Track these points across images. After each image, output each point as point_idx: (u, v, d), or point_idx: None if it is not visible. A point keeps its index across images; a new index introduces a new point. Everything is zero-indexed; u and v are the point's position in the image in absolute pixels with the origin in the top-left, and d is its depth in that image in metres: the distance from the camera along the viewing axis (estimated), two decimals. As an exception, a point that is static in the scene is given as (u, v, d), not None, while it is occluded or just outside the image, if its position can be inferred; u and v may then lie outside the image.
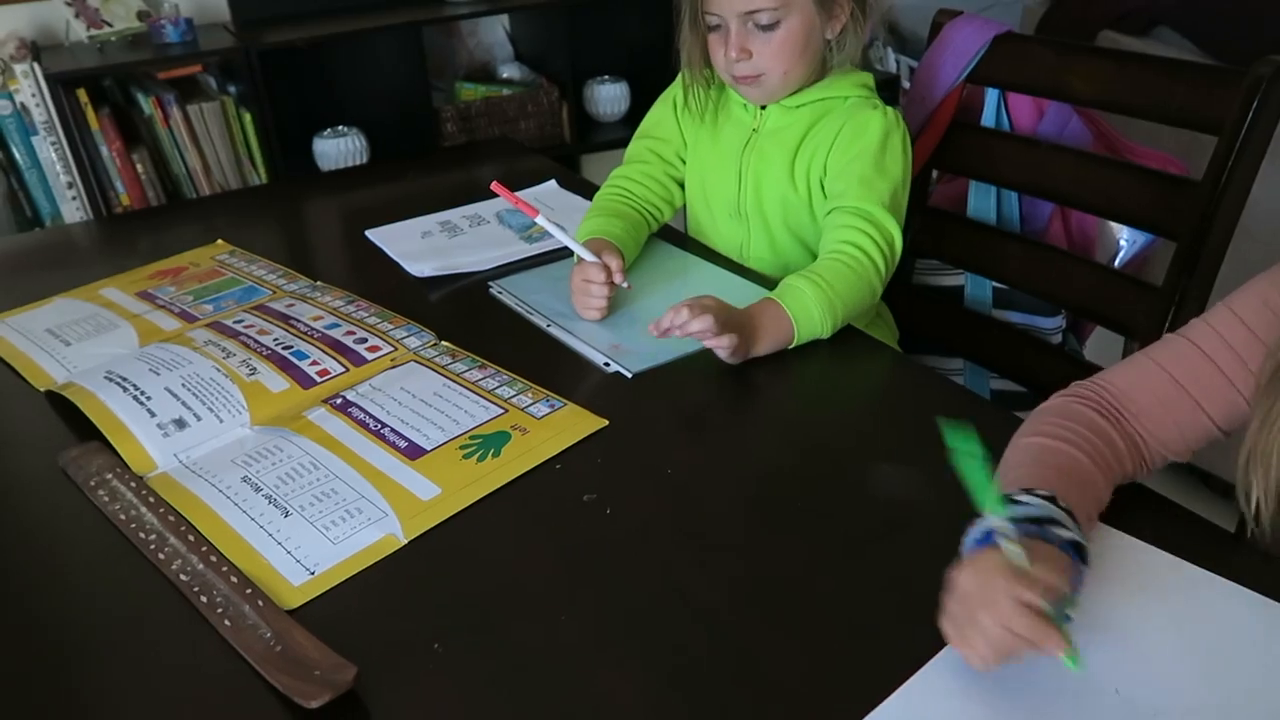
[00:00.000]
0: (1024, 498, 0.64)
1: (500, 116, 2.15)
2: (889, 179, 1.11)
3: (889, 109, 1.15)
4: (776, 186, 1.18)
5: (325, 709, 0.61)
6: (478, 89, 2.19)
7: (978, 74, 1.31)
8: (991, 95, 1.35)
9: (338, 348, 1.02)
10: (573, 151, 2.20)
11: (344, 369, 0.98)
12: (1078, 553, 0.61)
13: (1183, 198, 1.09)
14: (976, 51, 1.30)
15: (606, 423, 0.89)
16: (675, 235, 1.29)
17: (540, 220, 1.07)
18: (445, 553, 0.76)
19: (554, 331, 1.06)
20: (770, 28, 1.08)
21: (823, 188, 1.15)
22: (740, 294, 1.07)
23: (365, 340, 1.03)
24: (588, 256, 1.07)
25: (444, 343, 1.04)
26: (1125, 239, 1.46)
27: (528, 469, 0.83)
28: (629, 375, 0.97)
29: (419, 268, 1.22)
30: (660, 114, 1.28)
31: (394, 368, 0.99)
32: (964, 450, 0.53)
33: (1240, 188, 1.05)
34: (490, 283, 1.17)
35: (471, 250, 1.26)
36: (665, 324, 0.95)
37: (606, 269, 1.05)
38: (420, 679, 0.65)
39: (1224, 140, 1.05)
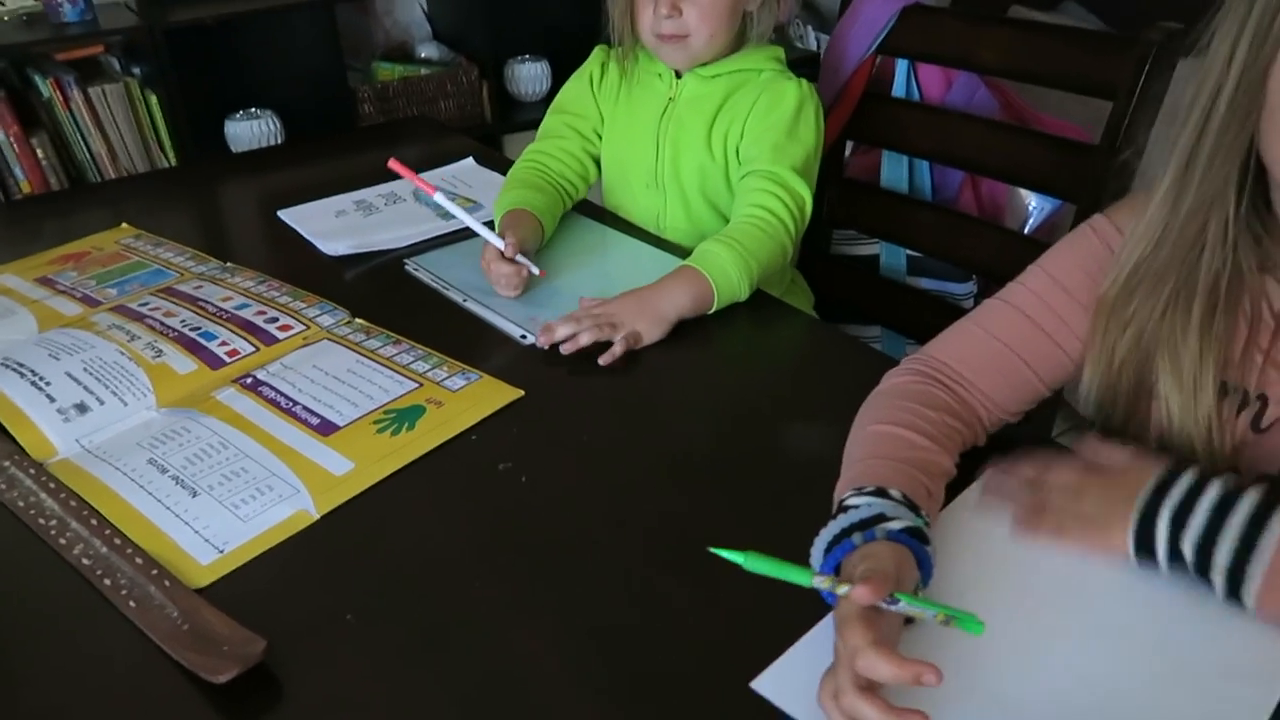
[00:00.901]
0: (853, 500, 0.65)
1: (419, 96, 2.12)
2: (802, 145, 1.13)
3: (803, 81, 1.17)
4: (694, 155, 1.19)
5: (237, 685, 0.60)
6: (395, 69, 2.16)
7: (887, 45, 1.33)
8: (901, 66, 1.38)
9: (248, 327, 1.00)
10: (494, 131, 2.18)
11: (254, 349, 0.96)
12: (913, 536, 0.62)
13: (1081, 162, 1.12)
14: (886, 23, 1.31)
15: (522, 393, 0.89)
16: (592, 209, 1.29)
17: (438, 197, 1.06)
18: (360, 526, 0.75)
19: (470, 306, 1.05)
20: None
21: (739, 156, 1.16)
22: (657, 265, 1.08)
23: (276, 320, 1.01)
24: (485, 234, 1.05)
25: (358, 320, 1.02)
26: (1034, 205, 1.50)
27: (443, 441, 0.83)
28: (545, 347, 0.97)
29: (333, 246, 1.20)
30: (576, 89, 1.27)
31: (306, 346, 0.97)
32: (749, 562, 0.54)
33: (1134, 151, 1.09)
34: (406, 260, 1.15)
35: (387, 228, 1.24)
36: (557, 338, 0.95)
37: (501, 255, 1.03)
38: (334, 651, 0.64)
39: (1118, 105, 1.08)
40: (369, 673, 0.62)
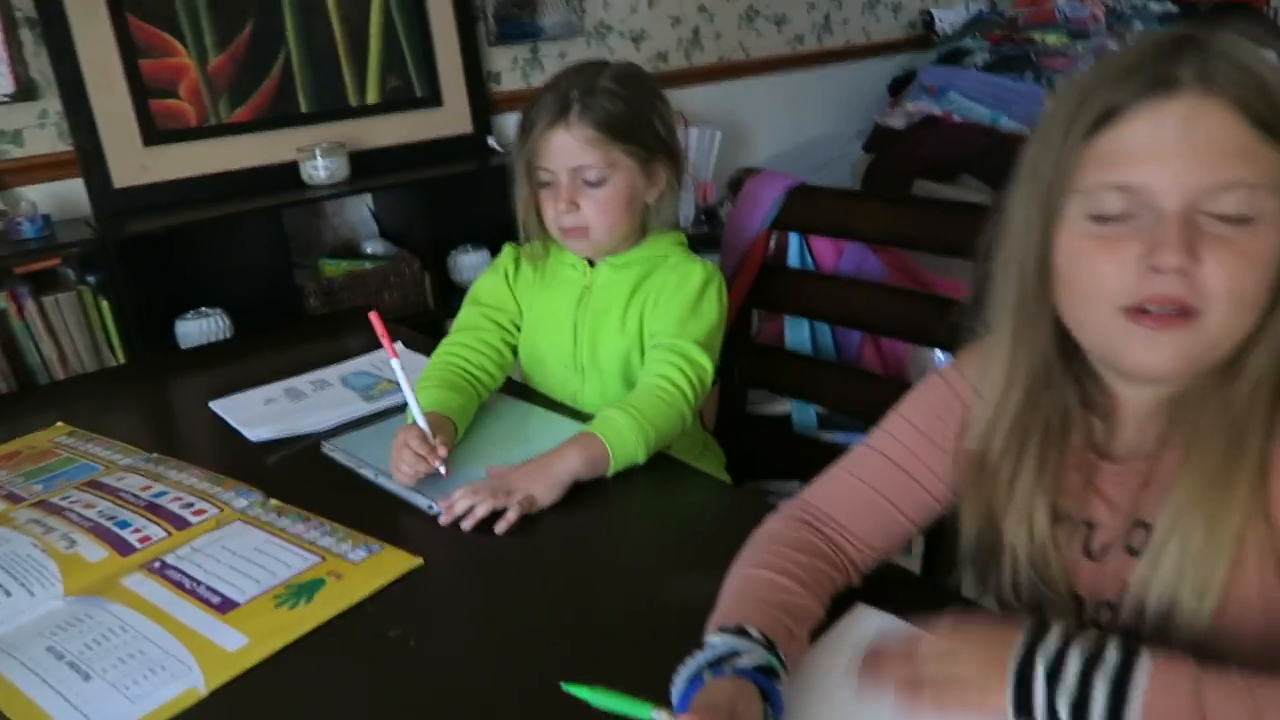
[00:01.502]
0: (712, 639, 0.69)
1: (364, 289, 2.23)
2: (705, 321, 1.21)
3: (708, 263, 1.26)
4: (611, 339, 1.25)
5: None
6: (340, 264, 2.28)
7: (780, 221, 1.44)
8: (794, 238, 1.49)
9: (161, 513, 1.03)
10: (437, 317, 2.28)
11: (166, 534, 1.00)
12: (761, 672, 0.65)
13: (941, 311, 1.21)
14: (774, 202, 1.44)
15: (421, 561, 0.92)
16: (508, 382, 1.34)
17: (394, 364, 1.09)
18: (251, 700, 0.77)
19: (381, 481, 1.09)
20: (597, 184, 1.18)
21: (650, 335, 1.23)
22: (568, 433, 1.13)
23: (191, 505, 1.05)
24: (421, 423, 1.07)
25: (272, 501, 1.06)
26: (941, 358, 1.58)
27: (337, 612, 0.85)
28: (447, 523, 1.00)
29: (256, 433, 1.25)
30: (492, 281, 1.34)
31: (218, 528, 1.01)
32: (595, 698, 0.59)
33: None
34: (323, 442, 1.20)
35: (312, 413, 1.29)
36: (457, 512, 0.98)
37: (427, 443, 1.06)
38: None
39: (980, 263, 1.18)
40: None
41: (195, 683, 0.77)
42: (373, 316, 1.09)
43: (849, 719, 0.68)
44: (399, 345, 1.51)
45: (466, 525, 0.98)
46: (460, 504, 0.99)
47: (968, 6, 3.50)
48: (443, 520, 0.99)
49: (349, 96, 2.34)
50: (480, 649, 0.81)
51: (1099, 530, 0.73)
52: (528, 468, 1.03)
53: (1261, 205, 0.62)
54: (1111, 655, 0.60)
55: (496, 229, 2.43)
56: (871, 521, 0.81)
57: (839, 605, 0.79)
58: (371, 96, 2.38)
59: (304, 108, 2.28)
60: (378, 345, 1.51)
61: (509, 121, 2.58)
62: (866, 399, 1.38)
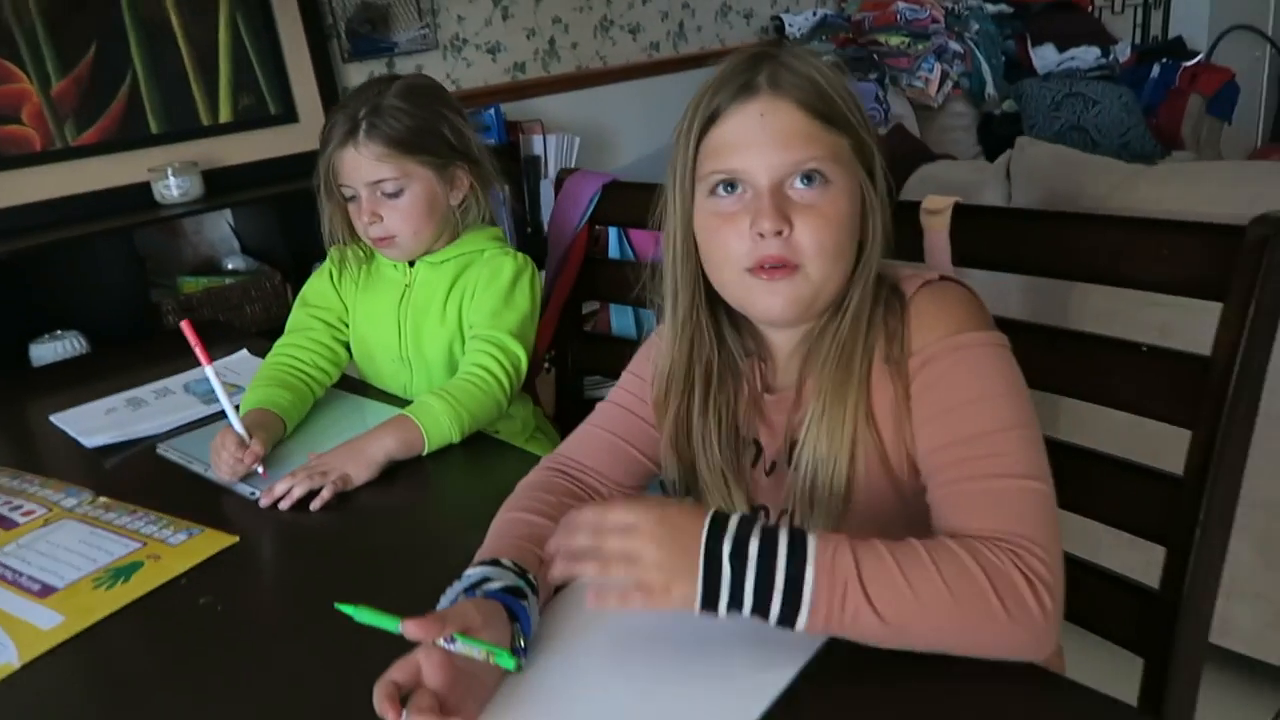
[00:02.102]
0: (469, 571, 0.78)
1: (224, 304, 2.26)
2: (517, 311, 1.30)
3: (520, 255, 1.36)
4: (434, 332, 1.34)
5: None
6: (199, 281, 2.31)
7: (597, 216, 1.55)
8: (613, 231, 1.60)
9: (-10, 516, 1.08)
10: (245, 342, 2.32)
11: (-6, 533, 1.05)
12: (508, 593, 0.75)
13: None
14: (591, 199, 1.54)
15: (236, 539, 1.00)
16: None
17: (208, 371, 1.15)
18: (64, 670, 0.83)
19: (211, 475, 1.16)
20: (396, 195, 1.27)
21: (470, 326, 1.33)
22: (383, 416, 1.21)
23: (20, 507, 1.10)
24: (236, 426, 1.13)
25: (101, 498, 1.12)
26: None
27: (152, 588, 0.92)
28: (267, 505, 1.08)
29: (93, 440, 1.29)
30: (319, 285, 1.42)
31: (45, 526, 1.06)
32: (358, 614, 0.69)
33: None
34: (158, 445, 1.26)
35: (150, 419, 1.35)
36: (276, 494, 1.06)
37: (241, 443, 1.11)
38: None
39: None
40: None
41: (9, 658, 0.84)
42: (184, 325, 1.15)
43: (596, 640, 0.78)
44: (243, 353, 1.58)
45: (284, 505, 1.05)
46: (279, 487, 1.06)
47: (815, 11, 3.69)
48: (262, 503, 1.07)
49: (201, 116, 2.37)
50: (289, 615, 0.89)
51: (766, 450, 0.88)
52: (343, 449, 1.11)
53: (831, 174, 0.79)
54: (783, 536, 0.68)
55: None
56: (612, 460, 0.94)
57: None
58: (224, 115, 2.41)
59: (154, 129, 2.30)
60: (229, 353, 1.58)
61: (368, 135, 2.65)
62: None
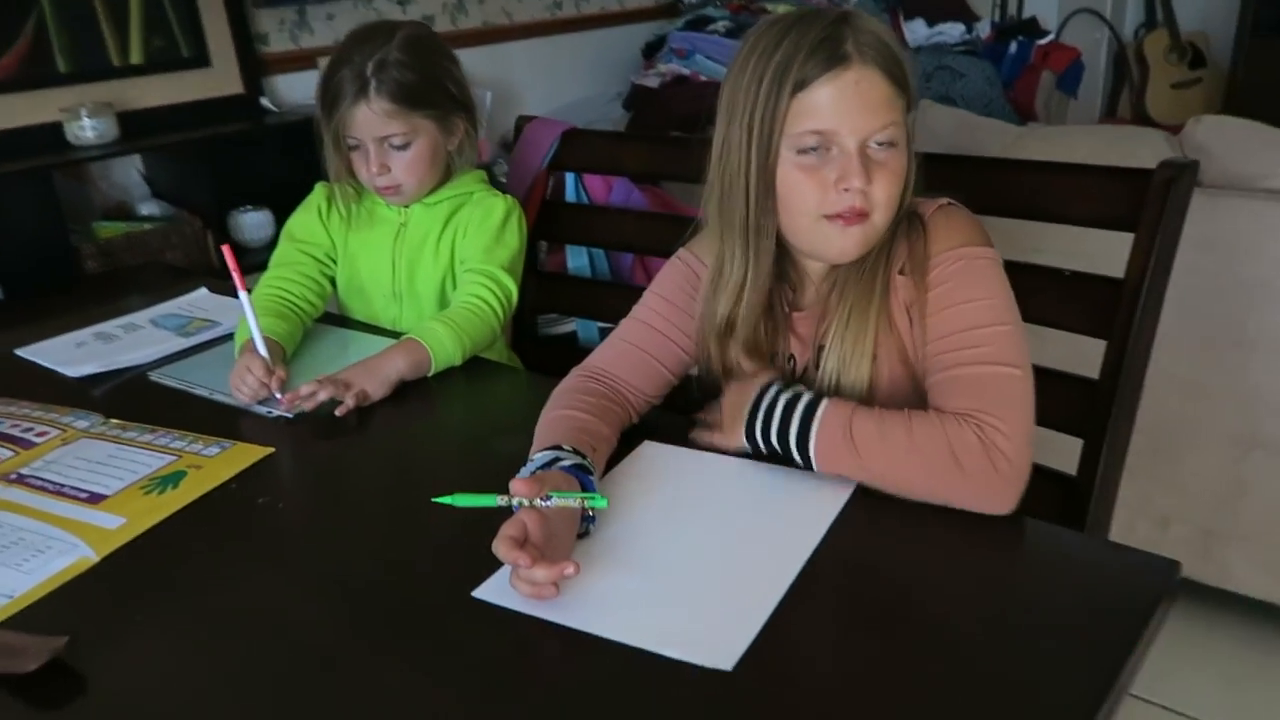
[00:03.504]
0: (536, 455, 0.90)
1: (144, 250, 2.22)
2: (508, 248, 1.39)
3: (509, 197, 1.44)
4: (427, 269, 1.41)
5: (44, 683, 0.72)
6: (118, 226, 2.25)
7: (556, 162, 1.64)
8: (570, 177, 1.70)
9: (4, 438, 1.10)
10: (222, 277, 2.30)
11: (13, 453, 1.07)
12: (577, 469, 0.87)
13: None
14: (551, 145, 1.63)
15: (272, 449, 1.06)
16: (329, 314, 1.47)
17: (242, 296, 1.18)
18: (136, 567, 0.88)
19: (218, 398, 1.20)
20: (403, 148, 1.33)
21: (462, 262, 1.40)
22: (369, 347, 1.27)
23: (32, 429, 1.12)
24: (262, 350, 1.17)
25: (113, 420, 1.15)
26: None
27: (206, 491, 0.98)
28: (291, 417, 1.14)
29: (77, 370, 1.31)
30: (306, 219, 1.46)
31: (65, 445, 1.09)
32: (457, 502, 0.80)
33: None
34: (150, 373, 1.28)
35: (129, 351, 1.36)
36: (302, 395, 1.11)
37: (267, 368, 1.16)
38: (128, 644, 0.78)
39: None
40: (162, 659, 0.77)
41: (85, 554, 0.88)
42: (225, 249, 1.19)
43: (643, 530, 0.90)
44: (203, 291, 1.59)
45: (307, 406, 1.12)
46: (304, 389, 1.12)
47: (710, -23, 3.82)
48: (284, 405, 1.12)
49: (111, 56, 2.30)
50: (341, 509, 0.97)
51: (797, 359, 1.02)
52: (357, 368, 1.18)
53: (900, 136, 0.92)
54: (804, 397, 0.90)
55: (276, 188, 2.48)
56: (640, 373, 1.05)
57: (629, 443, 1.01)
58: (135, 57, 2.34)
59: (63, 68, 2.22)
60: (172, 295, 1.59)
61: (281, 83, 2.62)
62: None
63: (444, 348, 1.23)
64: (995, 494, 0.85)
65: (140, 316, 1.50)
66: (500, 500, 0.78)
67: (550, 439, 0.92)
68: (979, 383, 0.88)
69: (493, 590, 0.79)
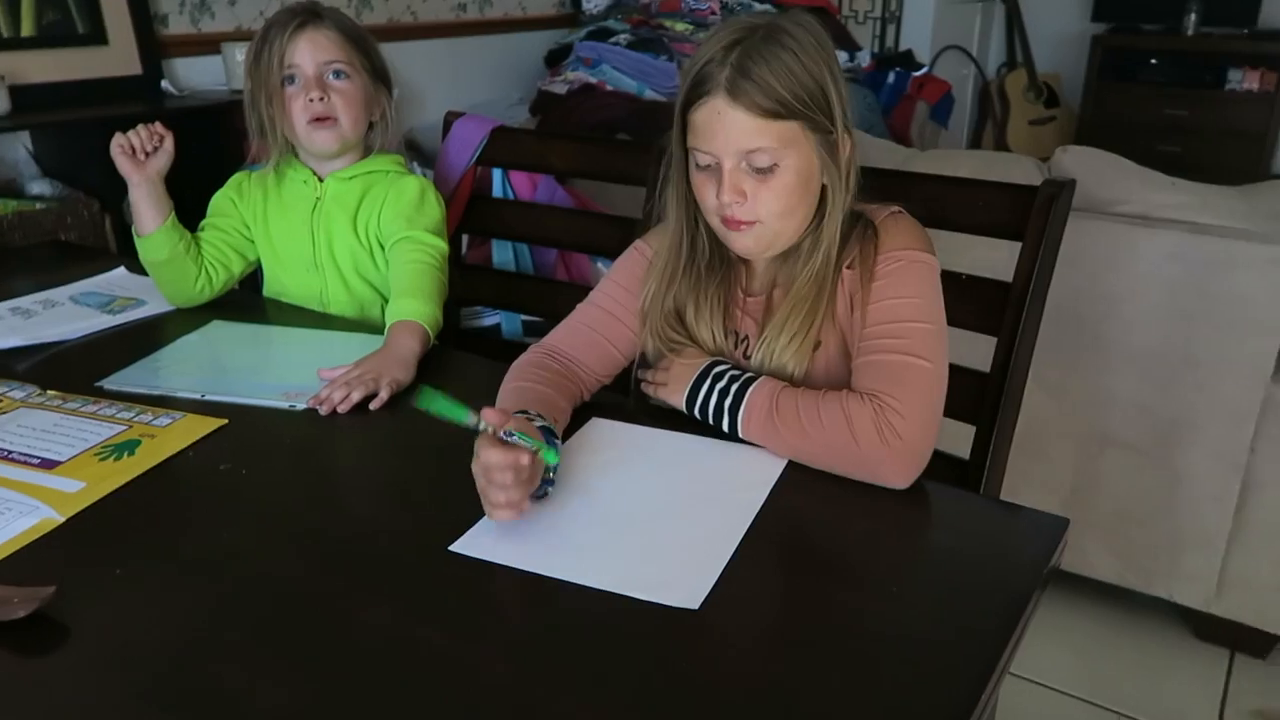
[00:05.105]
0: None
1: (37, 230, 2.13)
2: (430, 216, 1.44)
3: (421, 176, 1.48)
4: (344, 240, 1.45)
5: (32, 630, 0.74)
6: (8, 203, 2.16)
7: (484, 158, 1.70)
8: (497, 174, 1.75)
9: (-62, 405, 1.07)
10: (118, 257, 2.24)
11: (-50, 420, 1.05)
12: (546, 432, 0.94)
13: (626, 232, 1.54)
14: (479, 142, 1.69)
15: (226, 421, 1.08)
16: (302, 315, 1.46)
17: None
18: (105, 526, 0.89)
19: (213, 399, 1.13)
20: (341, 78, 1.38)
21: (380, 240, 1.44)
22: (357, 343, 1.28)
23: (-35, 398, 1.10)
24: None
25: (50, 391, 1.14)
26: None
27: (163, 458, 0.99)
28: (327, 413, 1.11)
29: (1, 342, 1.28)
30: (221, 204, 1.51)
31: (4, 414, 1.08)
32: (427, 400, 0.84)
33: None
34: (101, 383, 1.17)
35: (53, 325, 1.34)
36: (336, 399, 1.10)
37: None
38: (111, 596, 0.79)
39: (649, 189, 1.53)
40: (143, 607, 0.79)
41: (48, 514, 0.89)
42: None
43: (600, 493, 0.97)
44: (121, 270, 1.57)
45: (343, 409, 1.10)
46: (337, 394, 1.11)
47: (611, -9, 3.92)
48: (323, 411, 1.10)
49: (1, 27, 2.21)
50: (307, 475, 1.00)
51: (751, 340, 1.11)
52: (376, 358, 1.18)
53: (779, 157, 0.97)
54: (740, 375, 1.01)
55: (175, 173, 2.43)
56: (593, 353, 1.12)
57: (578, 420, 1.08)
58: (26, 28, 2.26)
59: (-53, 35, 2.13)
60: (82, 275, 1.56)
61: (180, 66, 2.56)
62: (562, 305, 1.68)
63: (428, 314, 1.28)
64: (885, 467, 0.94)
65: (59, 293, 1.48)
66: (470, 419, 0.84)
67: (517, 405, 0.98)
68: (889, 368, 0.98)
69: (470, 544, 0.85)
